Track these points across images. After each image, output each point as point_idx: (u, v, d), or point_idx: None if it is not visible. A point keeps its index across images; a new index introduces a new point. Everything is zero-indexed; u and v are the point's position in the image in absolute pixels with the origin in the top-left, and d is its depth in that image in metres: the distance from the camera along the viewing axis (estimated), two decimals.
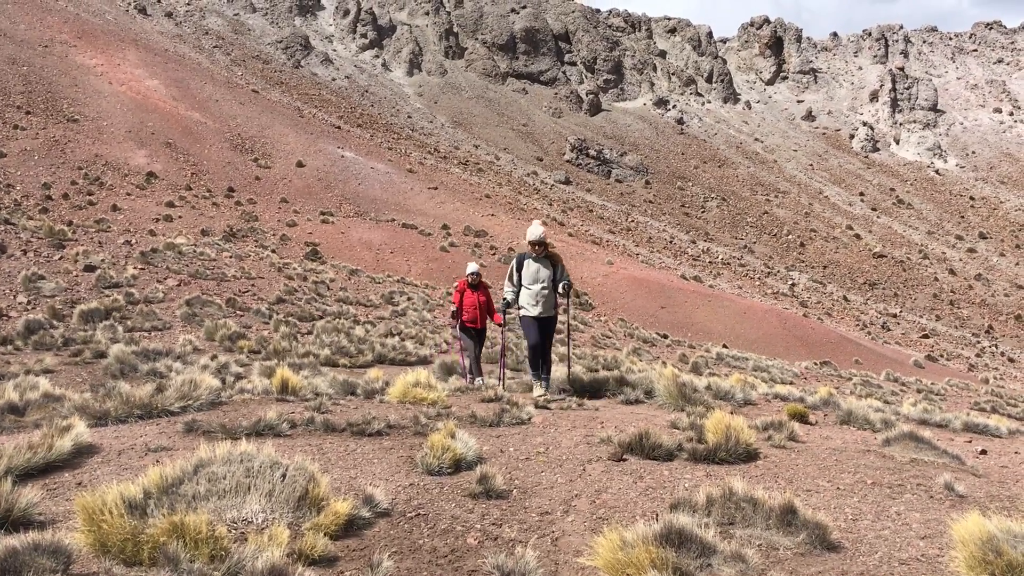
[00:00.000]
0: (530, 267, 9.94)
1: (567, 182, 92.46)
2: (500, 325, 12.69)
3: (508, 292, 10.19)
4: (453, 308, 13.27)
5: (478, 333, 13.30)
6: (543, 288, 9.88)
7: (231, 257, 30.12)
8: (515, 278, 10.07)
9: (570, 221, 70.70)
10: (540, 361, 10.11)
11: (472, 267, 13.42)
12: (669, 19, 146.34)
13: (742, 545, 4.37)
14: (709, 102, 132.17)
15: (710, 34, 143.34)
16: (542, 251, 9.97)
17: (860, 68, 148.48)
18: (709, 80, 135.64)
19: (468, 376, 13.01)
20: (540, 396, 9.53)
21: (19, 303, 19.24)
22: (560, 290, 9.91)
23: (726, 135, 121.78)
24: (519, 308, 10.14)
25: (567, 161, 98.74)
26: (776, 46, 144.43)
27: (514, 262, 10.13)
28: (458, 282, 13.44)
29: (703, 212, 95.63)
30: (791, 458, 6.98)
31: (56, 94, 57.75)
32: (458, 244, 49.53)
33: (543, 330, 10.10)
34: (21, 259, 22.68)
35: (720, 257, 78.83)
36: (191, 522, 3.90)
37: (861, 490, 5.97)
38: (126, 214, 42.33)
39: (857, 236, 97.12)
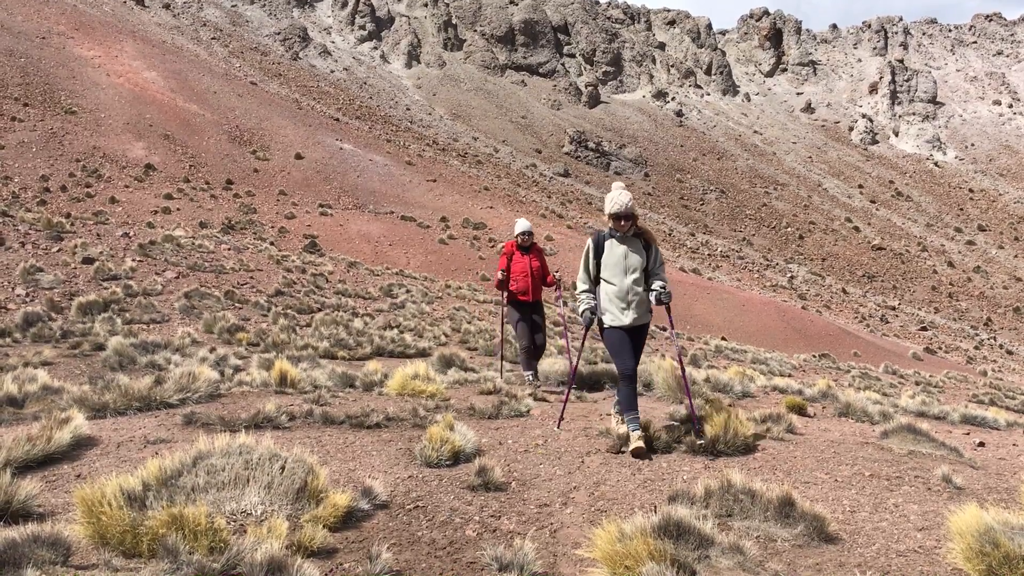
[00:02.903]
0: (614, 251, 6.80)
1: (566, 174, 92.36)
2: (551, 286, 10.37)
3: (586, 295, 6.95)
4: (500, 273, 10.40)
5: (531, 308, 10.52)
6: (635, 282, 6.76)
7: (229, 249, 30.08)
8: (592, 268, 6.92)
9: (569, 213, 70.66)
10: (632, 396, 6.87)
11: (522, 224, 10.53)
12: (668, 11, 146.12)
13: (740, 537, 4.38)
14: (708, 94, 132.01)
15: (709, 26, 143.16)
16: (630, 227, 6.81)
17: (859, 60, 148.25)
18: (708, 72, 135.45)
19: (525, 374, 10.41)
20: (636, 441, 6.55)
21: (17, 295, 19.22)
22: (655, 296, 6.73)
23: (725, 127, 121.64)
24: (600, 313, 6.89)
25: (566, 153, 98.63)
26: (775, 38, 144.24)
27: (590, 245, 6.95)
28: (505, 244, 10.68)
29: (702, 204, 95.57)
30: (789, 450, 6.99)
31: (54, 86, 57.60)
32: (457, 236, 49.48)
33: (637, 345, 6.93)
34: (19, 251, 22.64)
35: (719, 249, 78.83)
36: (190, 514, 3.90)
37: (859, 482, 5.99)
38: (124, 206, 42.28)
39: (856, 228, 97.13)
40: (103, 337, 15.09)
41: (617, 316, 6.77)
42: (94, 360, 13.40)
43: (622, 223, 6.76)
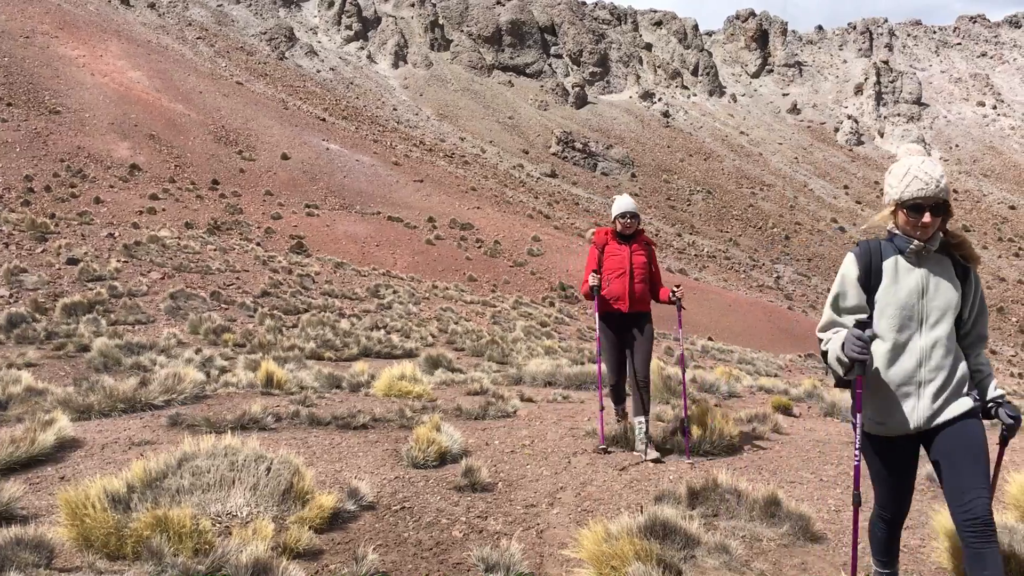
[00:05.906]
0: (902, 280, 3.35)
1: (553, 175, 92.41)
2: (673, 302, 6.74)
3: (836, 333, 3.37)
4: (592, 277, 6.70)
5: (628, 323, 6.78)
6: (941, 343, 3.30)
7: (215, 250, 29.95)
8: (855, 305, 3.41)
9: (556, 214, 70.71)
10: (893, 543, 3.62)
11: (624, 203, 6.84)
12: (655, 12, 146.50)
13: (726, 536, 4.40)
14: (695, 95, 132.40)
15: (696, 27, 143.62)
16: (935, 232, 3.32)
17: (845, 61, 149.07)
18: (695, 73, 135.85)
19: (616, 409, 7.14)
20: None
21: (1, 296, 19.09)
22: (993, 413, 3.30)
23: (712, 128, 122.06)
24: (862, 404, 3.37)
25: (553, 154, 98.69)
26: (762, 39, 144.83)
27: (852, 263, 3.47)
28: (595, 232, 7.08)
29: (689, 205, 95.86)
30: (775, 450, 7.02)
31: (38, 85, 57.19)
32: (444, 237, 49.42)
33: (935, 458, 3.31)
34: (3, 252, 22.49)
35: (706, 250, 79.07)
36: (175, 516, 3.88)
37: (844, 481, 6.02)
38: (109, 207, 42.01)
39: (842, 229, 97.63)
40: (88, 338, 15.00)
41: (890, 412, 3.33)
42: (79, 361, 13.33)
43: (927, 222, 3.28)
